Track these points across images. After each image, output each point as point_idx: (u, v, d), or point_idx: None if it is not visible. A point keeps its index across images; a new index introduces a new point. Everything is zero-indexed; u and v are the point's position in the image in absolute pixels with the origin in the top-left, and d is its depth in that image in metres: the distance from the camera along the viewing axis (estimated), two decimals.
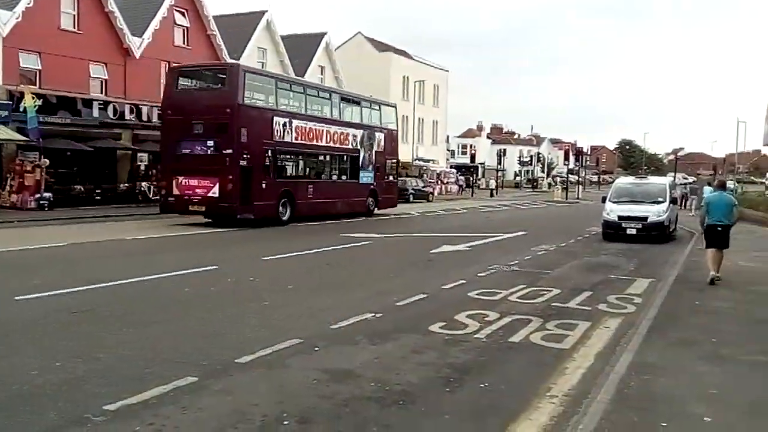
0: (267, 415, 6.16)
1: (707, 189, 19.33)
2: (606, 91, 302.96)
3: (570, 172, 76.68)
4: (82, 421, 5.93)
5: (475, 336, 9.26)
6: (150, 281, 12.94)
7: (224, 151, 24.87)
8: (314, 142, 29.64)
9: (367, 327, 9.63)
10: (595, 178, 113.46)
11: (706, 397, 6.80)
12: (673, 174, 78.24)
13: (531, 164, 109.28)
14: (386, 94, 54.88)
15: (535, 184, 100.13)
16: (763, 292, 12.94)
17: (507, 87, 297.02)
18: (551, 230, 27.36)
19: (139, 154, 36.74)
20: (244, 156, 25.19)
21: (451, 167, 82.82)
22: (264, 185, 26.13)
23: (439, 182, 68.76)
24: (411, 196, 50.01)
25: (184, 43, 40.92)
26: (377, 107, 35.93)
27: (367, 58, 65.42)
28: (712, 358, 8.26)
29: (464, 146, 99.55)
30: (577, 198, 64.90)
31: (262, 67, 45.85)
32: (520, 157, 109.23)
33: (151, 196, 35.22)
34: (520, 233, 25.56)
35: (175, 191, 25.74)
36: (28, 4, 31.28)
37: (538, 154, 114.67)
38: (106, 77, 35.89)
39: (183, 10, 40.66)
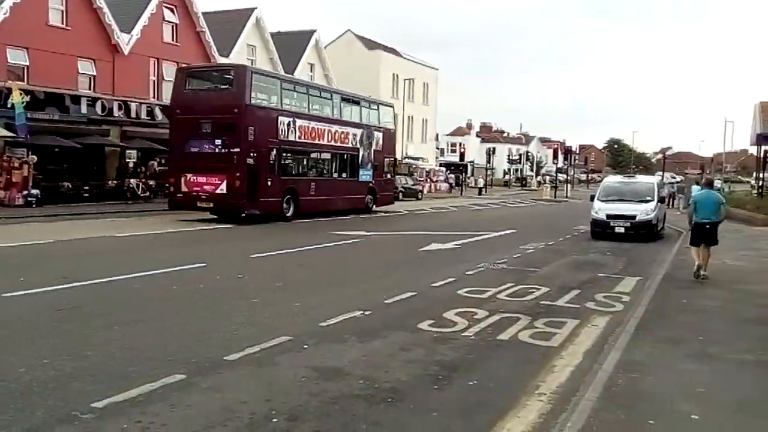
0: (255, 413, 6.16)
1: (695, 188, 19.44)
2: (595, 91, 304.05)
3: (559, 170, 76.84)
4: (70, 418, 5.91)
5: (464, 334, 9.28)
6: (139, 278, 12.86)
7: (232, 150, 25.57)
8: (316, 141, 30.41)
9: (356, 325, 9.63)
10: (583, 177, 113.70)
11: (694, 395, 6.83)
12: (661, 173, 78.57)
13: (520, 163, 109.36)
14: (376, 92, 54.90)
15: (524, 182, 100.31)
16: (750, 291, 13.01)
17: (496, 86, 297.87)
18: (540, 228, 27.42)
19: (127, 151, 36.53)
20: (251, 154, 25.90)
21: (441, 165, 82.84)
22: (269, 182, 26.81)
23: (429, 180, 68.79)
24: (400, 194, 49.95)
25: (173, 40, 40.74)
26: (376, 107, 36.69)
27: (357, 56, 65.40)
28: (699, 356, 8.30)
29: (453, 144, 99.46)
30: (566, 197, 65.02)
31: (252, 64, 45.92)
32: (509, 156, 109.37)
33: (139, 193, 35.12)
34: (508, 231, 25.63)
35: (184, 188, 26.42)
36: None
37: (527, 152, 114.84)
38: (95, 73, 35.71)
39: (172, 7, 40.47)
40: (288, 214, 27.80)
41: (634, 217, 22.99)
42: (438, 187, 70.26)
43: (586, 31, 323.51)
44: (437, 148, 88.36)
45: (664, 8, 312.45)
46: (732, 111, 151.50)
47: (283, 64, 49.16)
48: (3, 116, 29.53)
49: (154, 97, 39.08)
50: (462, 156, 78.86)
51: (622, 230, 22.78)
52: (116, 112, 35.38)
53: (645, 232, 22.90)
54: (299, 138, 28.92)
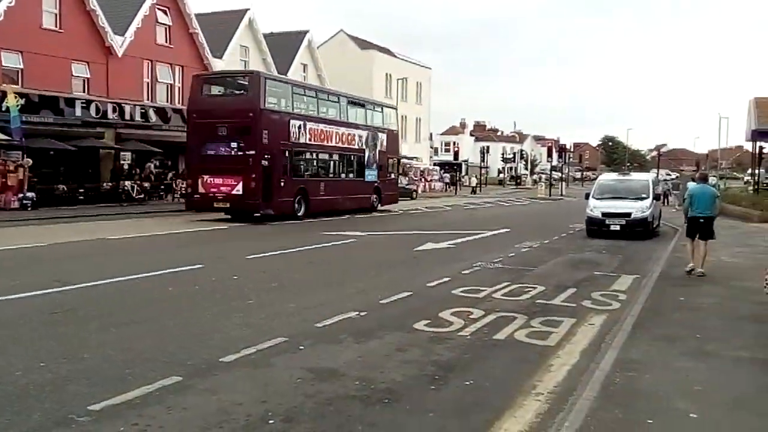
0: (251, 415, 6.15)
1: (690, 184, 19.51)
2: (589, 88, 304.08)
3: (553, 168, 76.90)
4: (66, 421, 5.90)
5: (460, 333, 9.27)
6: (134, 281, 12.84)
7: (247, 152, 26.81)
8: (325, 143, 31.69)
9: (351, 325, 9.62)
10: (578, 175, 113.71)
11: (691, 393, 6.83)
12: (656, 170, 78.60)
13: (514, 161, 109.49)
14: (369, 91, 54.96)
15: (518, 181, 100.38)
16: (746, 288, 13.00)
17: (493, 85, 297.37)
18: (534, 227, 27.44)
19: (122, 153, 36.47)
20: (265, 156, 27.15)
21: (435, 165, 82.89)
22: (282, 183, 28.07)
23: (423, 180, 68.85)
24: None
25: (166, 42, 40.74)
26: (380, 109, 38.26)
27: (350, 56, 65.46)
28: (696, 354, 8.31)
29: (447, 144, 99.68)
30: (561, 195, 65.06)
31: (245, 65, 46.18)
32: (503, 154, 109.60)
33: (134, 195, 35.11)
34: (503, 230, 25.64)
35: (201, 189, 27.65)
36: (10, 3, 31.06)
37: (521, 151, 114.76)
38: (89, 76, 35.69)
39: (165, 9, 40.46)
40: (299, 214, 28.93)
41: (629, 214, 22.97)
42: (432, 187, 70.30)
43: (575, 29, 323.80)
44: (431, 148, 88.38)
45: (662, 7, 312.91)
46: (726, 107, 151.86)
47: (276, 64, 49.12)
48: None
49: (148, 99, 39.11)
50: (456, 155, 78.92)
51: (618, 228, 22.76)
52: (110, 115, 35.43)
53: (641, 230, 22.89)
54: (309, 140, 30.21)
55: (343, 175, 33.64)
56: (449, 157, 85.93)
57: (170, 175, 39.32)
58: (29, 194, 29.62)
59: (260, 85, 27.56)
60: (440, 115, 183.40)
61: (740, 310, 11.05)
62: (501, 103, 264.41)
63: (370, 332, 9.21)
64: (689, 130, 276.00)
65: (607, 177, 29.02)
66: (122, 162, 36.62)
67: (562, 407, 6.44)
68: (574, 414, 6.10)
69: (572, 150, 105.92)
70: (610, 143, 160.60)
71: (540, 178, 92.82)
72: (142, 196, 35.45)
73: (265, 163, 27.06)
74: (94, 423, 5.89)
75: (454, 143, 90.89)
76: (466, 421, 6.26)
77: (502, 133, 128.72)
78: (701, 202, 14.70)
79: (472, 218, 33.79)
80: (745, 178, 79.40)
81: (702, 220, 14.61)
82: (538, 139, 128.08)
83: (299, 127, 29.41)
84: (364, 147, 34.81)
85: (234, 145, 27.06)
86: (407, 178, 58.70)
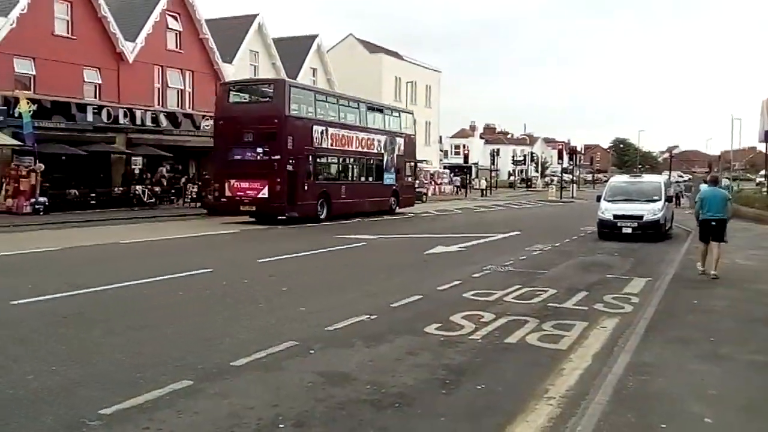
0: (262, 419, 6.13)
1: (703, 186, 19.44)
2: (600, 90, 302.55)
3: (564, 171, 76.67)
4: (77, 425, 5.90)
5: (471, 337, 9.23)
6: (145, 285, 12.86)
7: (273, 157, 27.68)
8: (346, 148, 32.71)
9: (362, 329, 9.59)
10: (589, 177, 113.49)
11: (706, 397, 6.76)
12: (668, 172, 78.30)
13: (525, 164, 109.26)
14: (378, 95, 55.01)
15: (529, 183, 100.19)
16: (760, 290, 12.92)
17: (496, 86, 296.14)
18: (546, 230, 27.34)
19: (133, 158, 36.70)
20: (290, 161, 28.06)
21: (445, 168, 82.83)
22: (306, 187, 29.10)
23: (433, 183, 68.80)
24: None
25: (176, 47, 40.88)
26: (397, 114, 39.38)
27: (359, 60, 65.44)
28: (710, 357, 8.22)
29: (457, 146, 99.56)
30: (572, 197, 64.86)
31: (255, 69, 46.40)
32: (513, 157, 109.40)
33: (145, 199, 35.24)
34: (514, 233, 25.54)
35: (228, 193, 28.53)
36: (23, 10, 31.29)
37: (532, 153, 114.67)
38: (100, 82, 35.87)
39: (175, 15, 40.60)
40: (321, 216, 29.95)
41: (641, 217, 22.85)
42: (442, 190, 70.25)
43: (588, 31, 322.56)
44: (441, 151, 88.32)
45: (665, 7, 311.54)
46: (739, 108, 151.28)
47: (286, 69, 49.18)
48: (11, 125, 29.87)
49: (159, 104, 39.28)
50: (466, 158, 78.86)
51: (630, 230, 22.65)
52: (122, 120, 35.67)
53: (653, 232, 22.76)
54: (331, 145, 31.19)
55: (362, 179, 34.44)
56: (459, 160, 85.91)
57: (183, 179, 39.41)
58: (41, 199, 29.83)
59: (285, 92, 28.37)
60: (449, 117, 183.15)
61: (754, 312, 10.96)
62: (501, 104, 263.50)
63: (381, 336, 9.18)
64: (701, 131, 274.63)
65: (619, 179, 28.88)
66: (133, 167, 36.80)
67: (575, 411, 6.39)
68: (586, 418, 6.05)
69: (583, 152, 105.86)
70: (621, 145, 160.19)
71: (551, 181, 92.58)
72: (153, 200, 35.60)
73: (289, 167, 27.87)
74: (105, 427, 5.89)
75: (464, 146, 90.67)
76: (477, 426, 6.23)
77: (512, 135, 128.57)
78: (712, 205, 14.65)
79: (483, 221, 33.72)
80: (758, 180, 79.04)
81: (714, 223, 14.53)
82: (549, 141, 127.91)
83: (321, 133, 30.25)
84: (382, 151, 35.65)
85: (260, 150, 27.79)
86: (417, 181, 58.61)
